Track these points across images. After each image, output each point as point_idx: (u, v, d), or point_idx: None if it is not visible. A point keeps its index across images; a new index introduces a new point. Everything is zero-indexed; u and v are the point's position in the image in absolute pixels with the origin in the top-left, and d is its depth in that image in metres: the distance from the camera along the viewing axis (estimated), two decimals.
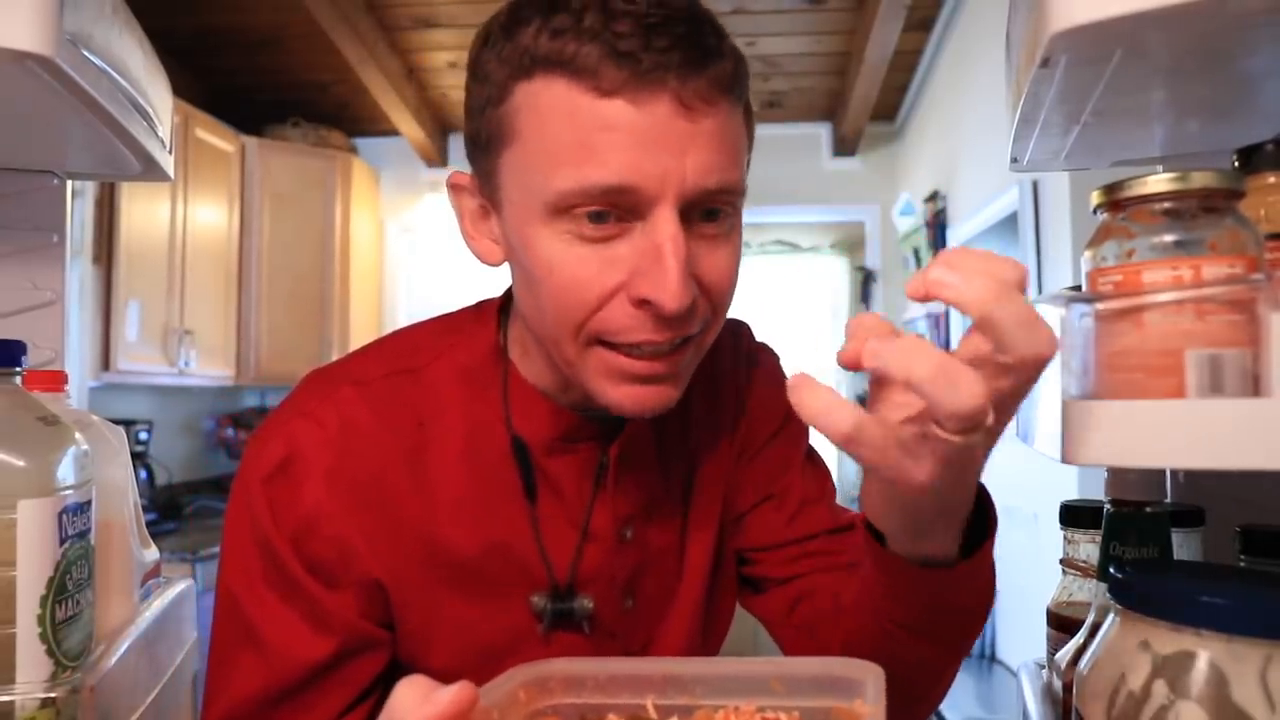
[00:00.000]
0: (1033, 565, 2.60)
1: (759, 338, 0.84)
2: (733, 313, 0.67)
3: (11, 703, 0.52)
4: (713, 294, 0.59)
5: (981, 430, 0.40)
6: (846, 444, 0.41)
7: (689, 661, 0.45)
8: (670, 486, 0.74)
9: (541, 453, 0.68)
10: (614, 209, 0.55)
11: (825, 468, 0.81)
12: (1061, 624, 0.65)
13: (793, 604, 0.74)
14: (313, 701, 0.62)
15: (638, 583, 0.71)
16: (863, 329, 0.43)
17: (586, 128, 0.54)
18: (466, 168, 0.65)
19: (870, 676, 0.40)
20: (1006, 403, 0.43)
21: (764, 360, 0.82)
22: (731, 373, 0.79)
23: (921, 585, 0.54)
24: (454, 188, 0.66)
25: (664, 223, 0.55)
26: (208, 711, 0.63)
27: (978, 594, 0.56)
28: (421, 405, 0.67)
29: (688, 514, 0.75)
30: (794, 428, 0.79)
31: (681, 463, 0.75)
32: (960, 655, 0.61)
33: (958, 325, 3.21)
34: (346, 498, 0.63)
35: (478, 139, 0.61)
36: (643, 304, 0.56)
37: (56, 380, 0.67)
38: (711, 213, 0.58)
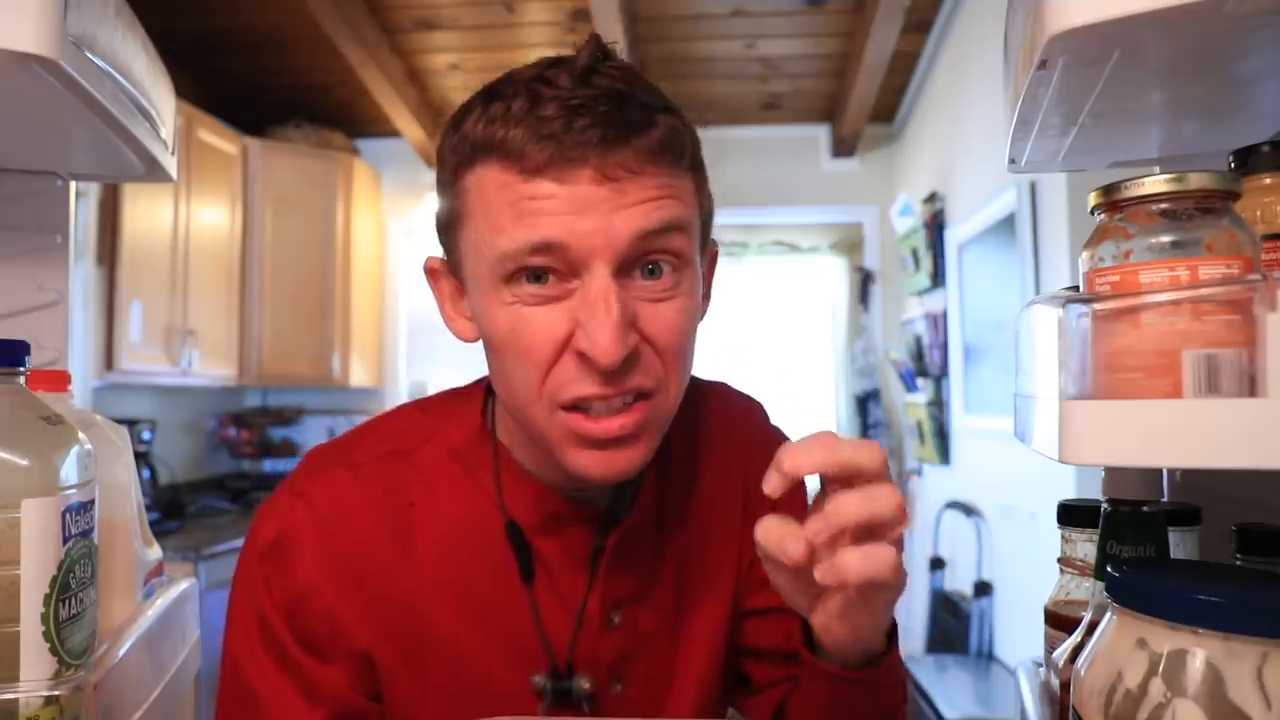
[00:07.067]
0: (1030, 564, 2.60)
1: (768, 411, 0.85)
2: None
3: (15, 700, 0.52)
4: (659, 348, 0.61)
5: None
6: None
7: None
8: (664, 570, 0.74)
9: (531, 532, 0.69)
10: (552, 269, 0.58)
11: None
12: (1059, 622, 0.65)
13: (776, 708, 0.78)
14: None
15: (626, 667, 0.72)
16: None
17: (520, 199, 0.58)
18: None
19: None
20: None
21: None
22: (743, 459, 0.79)
23: (844, 686, 0.63)
24: (430, 272, 0.69)
25: (597, 278, 0.58)
26: None
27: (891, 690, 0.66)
28: (412, 485, 0.69)
29: (681, 597, 0.75)
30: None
31: (680, 546, 0.75)
32: None
33: (956, 326, 3.21)
34: (336, 575, 0.66)
35: (441, 222, 0.65)
36: (583, 358, 0.58)
37: (60, 380, 0.67)
38: (654, 269, 0.60)
